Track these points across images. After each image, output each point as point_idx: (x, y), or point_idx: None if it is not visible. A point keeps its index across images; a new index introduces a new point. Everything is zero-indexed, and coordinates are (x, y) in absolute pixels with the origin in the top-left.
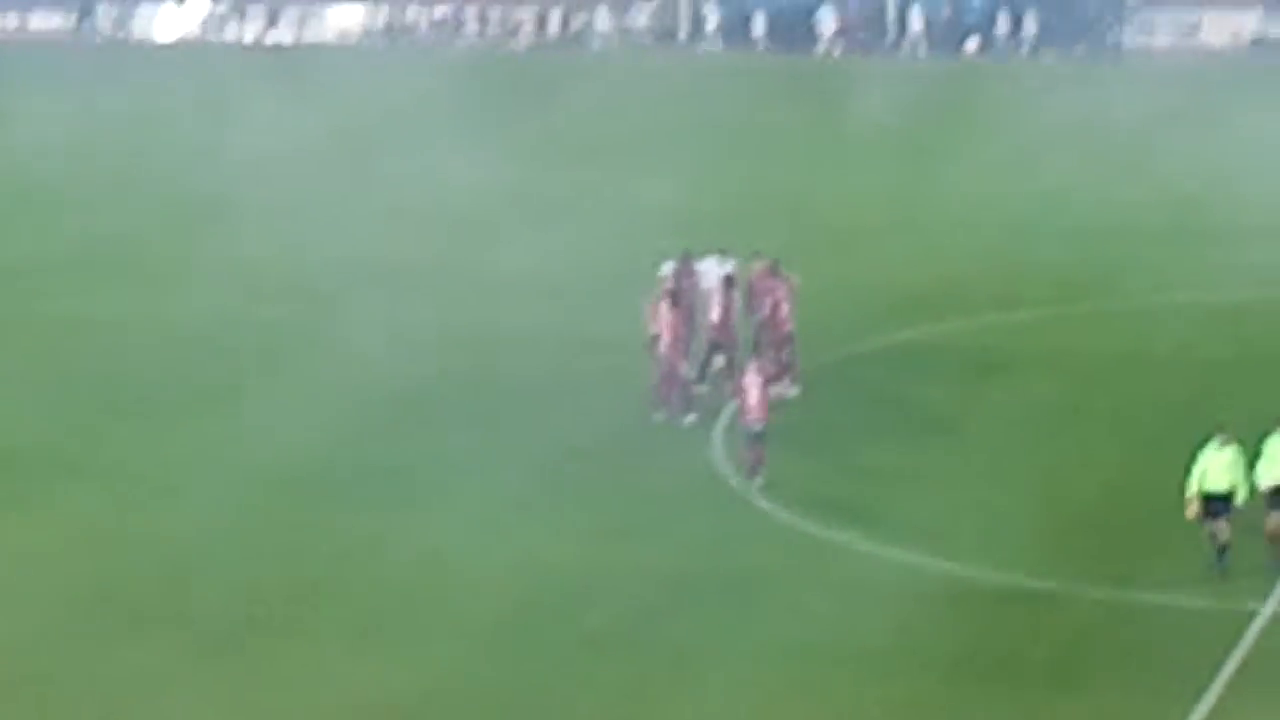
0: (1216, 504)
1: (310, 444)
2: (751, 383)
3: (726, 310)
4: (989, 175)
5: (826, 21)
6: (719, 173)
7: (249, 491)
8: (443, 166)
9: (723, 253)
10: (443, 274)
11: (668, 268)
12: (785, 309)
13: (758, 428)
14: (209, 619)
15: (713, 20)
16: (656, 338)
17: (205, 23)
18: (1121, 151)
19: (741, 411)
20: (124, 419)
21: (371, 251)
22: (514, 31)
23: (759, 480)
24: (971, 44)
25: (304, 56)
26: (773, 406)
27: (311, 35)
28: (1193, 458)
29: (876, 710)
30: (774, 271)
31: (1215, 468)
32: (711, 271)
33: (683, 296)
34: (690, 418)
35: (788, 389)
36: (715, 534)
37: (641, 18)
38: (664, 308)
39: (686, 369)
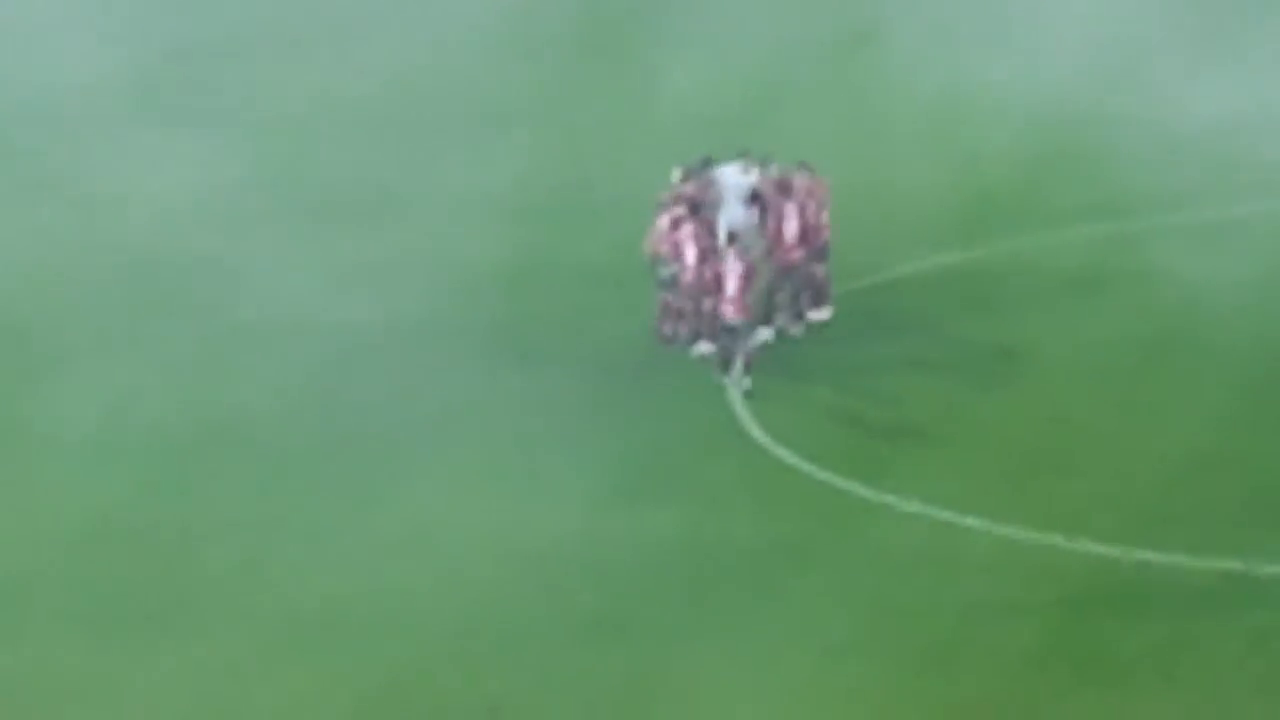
0: None
1: (267, 395)
2: (731, 269)
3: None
4: (1053, 58)
5: None
6: (711, 62)
7: (187, 451)
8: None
9: (746, 157)
10: (398, 196)
11: (678, 175)
12: (823, 216)
13: (735, 322)
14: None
15: None
16: (663, 257)
17: None
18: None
19: (717, 302)
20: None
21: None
22: None
23: (744, 385)
24: None
25: None
26: (808, 330)
27: None
28: None
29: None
30: (790, 179)
31: None
32: (733, 181)
33: (705, 209)
34: (702, 346)
35: (822, 311)
36: (735, 494)
37: None
38: (680, 222)
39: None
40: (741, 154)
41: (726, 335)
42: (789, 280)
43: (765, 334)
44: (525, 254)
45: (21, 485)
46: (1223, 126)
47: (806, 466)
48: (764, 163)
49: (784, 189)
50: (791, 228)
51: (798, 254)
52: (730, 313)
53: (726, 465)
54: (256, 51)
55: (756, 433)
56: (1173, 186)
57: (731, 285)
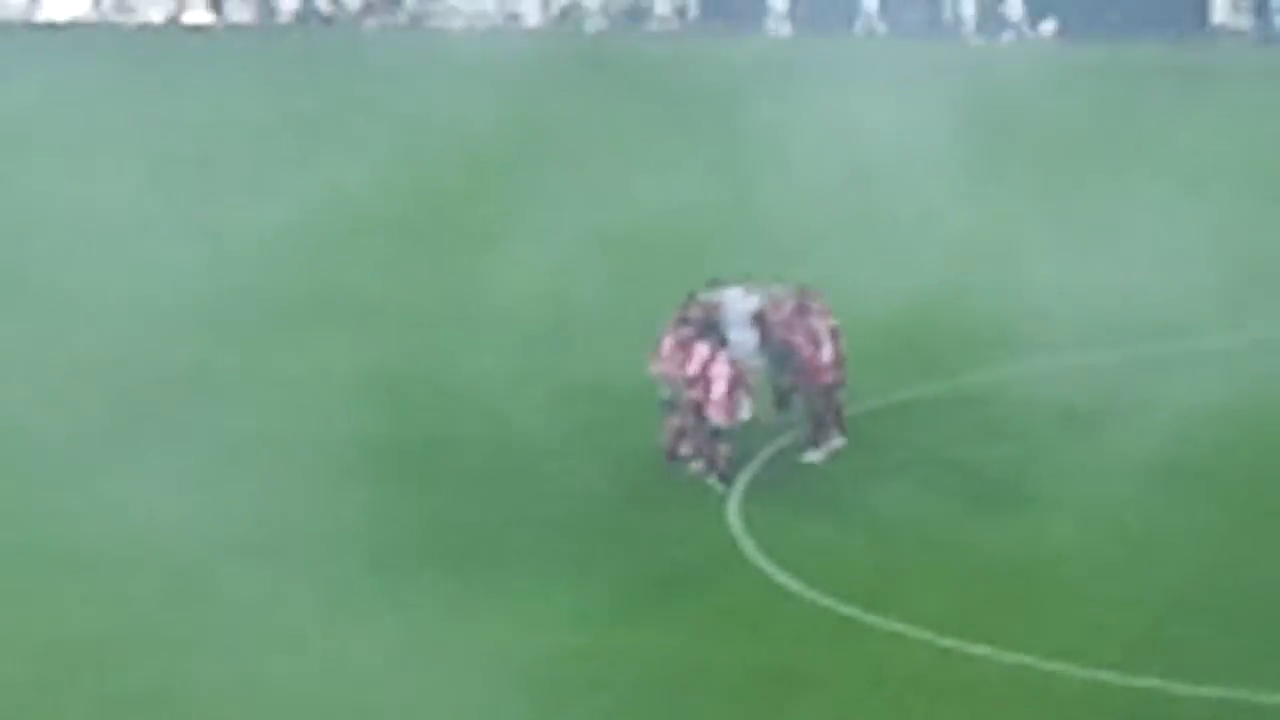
0: None
1: (250, 498)
2: (719, 374)
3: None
4: (1058, 185)
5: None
6: (723, 175)
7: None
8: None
9: (748, 284)
10: (387, 308)
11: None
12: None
13: (718, 421)
14: None
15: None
16: (674, 378)
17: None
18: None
19: (703, 403)
20: None
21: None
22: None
23: (717, 481)
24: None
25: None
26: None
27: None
28: None
29: None
30: (808, 301)
31: None
32: (735, 305)
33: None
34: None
35: (836, 440)
36: (735, 616)
37: None
38: (696, 343)
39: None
40: (745, 277)
41: (712, 439)
42: (818, 403)
43: (814, 456)
44: (521, 370)
45: (19, 603)
46: (1217, 255)
47: (808, 591)
48: (763, 286)
49: (802, 311)
50: (827, 350)
51: (832, 376)
52: (715, 415)
53: (727, 587)
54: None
55: (758, 556)
56: (1168, 316)
57: (719, 388)
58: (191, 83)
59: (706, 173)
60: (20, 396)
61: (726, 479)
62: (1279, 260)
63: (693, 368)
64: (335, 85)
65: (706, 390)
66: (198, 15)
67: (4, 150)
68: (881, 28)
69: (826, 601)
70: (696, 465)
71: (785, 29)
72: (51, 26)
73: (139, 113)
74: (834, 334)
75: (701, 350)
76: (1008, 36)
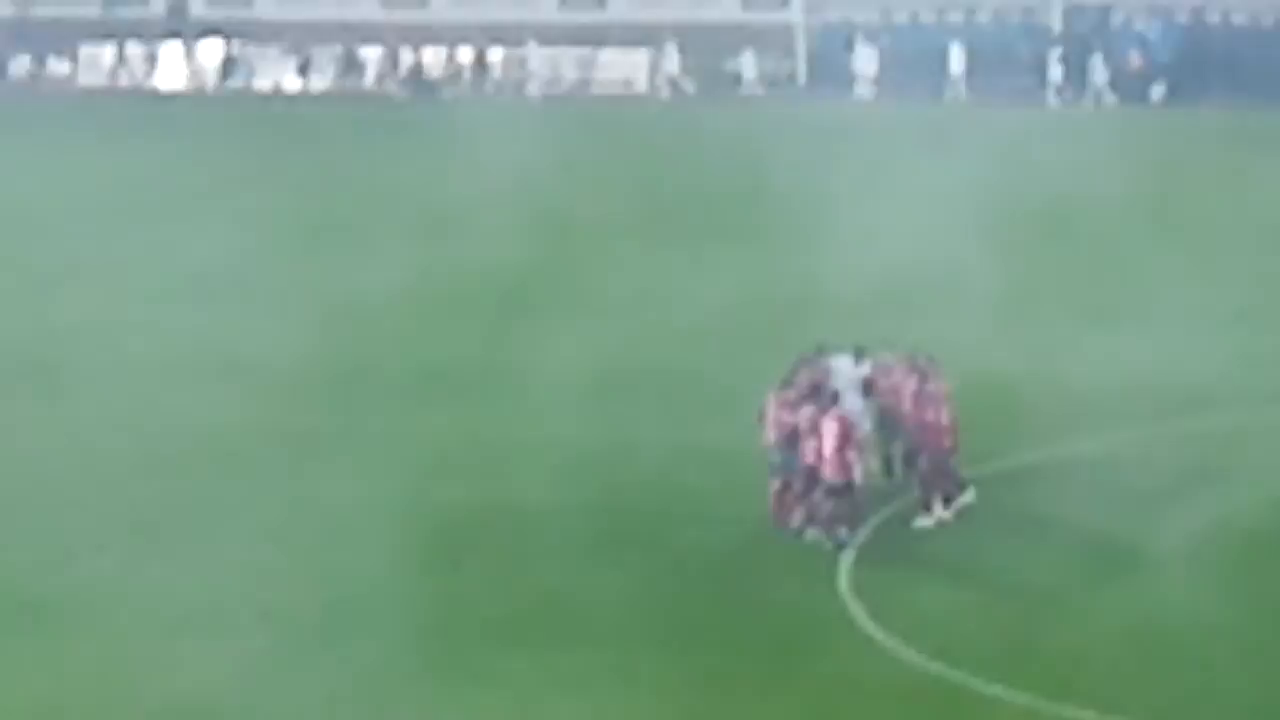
0: None
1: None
2: (829, 431)
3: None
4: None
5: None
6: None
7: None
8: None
9: (859, 351)
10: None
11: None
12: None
13: (830, 479)
14: None
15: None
16: (782, 439)
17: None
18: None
19: (814, 461)
20: None
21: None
22: None
23: (830, 540)
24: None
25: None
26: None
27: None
28: None
29: None
30: (920, 366)
31: None
32: (844, 373)
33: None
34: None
35: (958, 499)
36: (843, 686)
37: None
38: (804, 404)
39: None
40: (856, 347)
41: (824, 498)
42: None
43: (925, 522)
44: (630, 439)
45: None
46: None
47: (917, 658)
48: (872, 354)
49: (918, 376)
50: (944, 415)
51: (949, 440)
52: (827, 472)
53: (836, 654)
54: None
55: (868, 622)
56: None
57: (829, 444)
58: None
59: (802, 239)
60: (126, 460)
61: (839, 540)
62: None
63: (803, 425)
64: (428, 154)
65: (818, 447)
66: (290, 82)
67: (107, 212)
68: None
69: (935, 668)
70: (810, 530)
71: (869, 93)
72: (157, 96)
73: (244, 177)
74: (948, 399)
75: (809, 410)
76: (1089, 101)
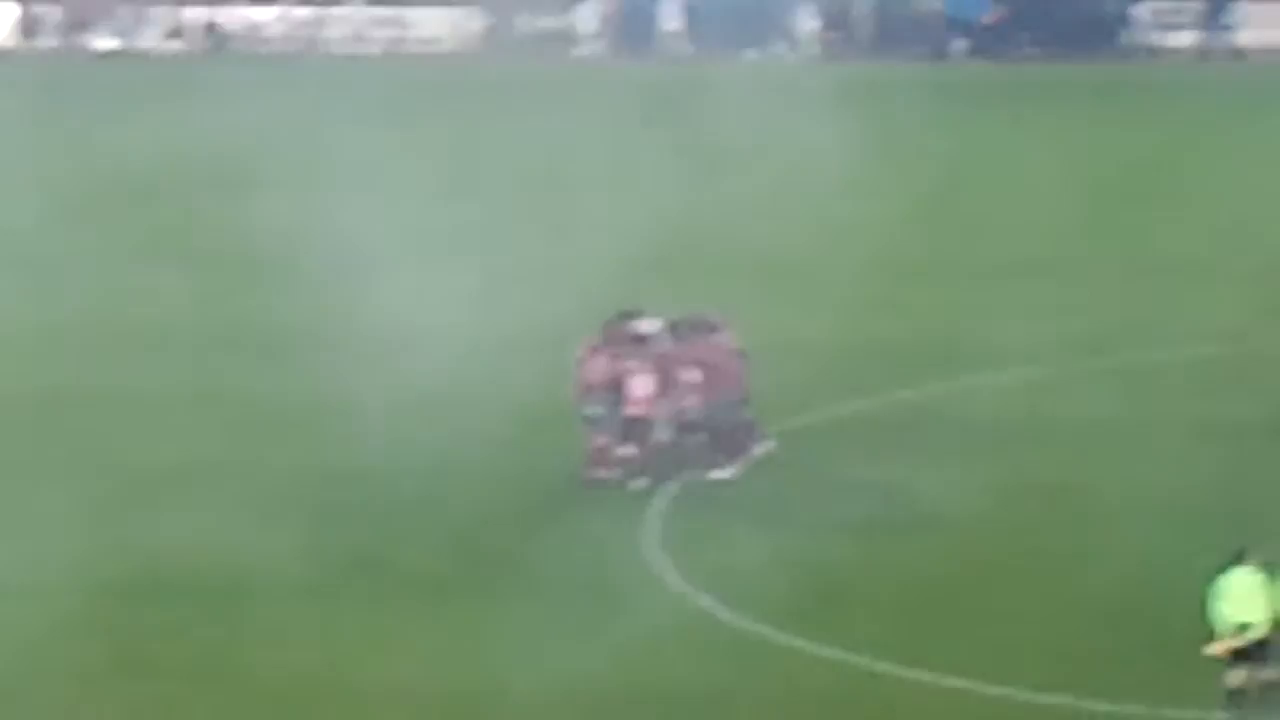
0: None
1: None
2: (640, 383)
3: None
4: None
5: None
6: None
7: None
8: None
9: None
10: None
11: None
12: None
13: (635, 412)
14: None
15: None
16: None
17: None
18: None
19: (622, 401)
20: None
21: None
22: None
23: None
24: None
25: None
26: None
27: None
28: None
29: None
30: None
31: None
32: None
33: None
34: (640, 481)
35: (726, 467)
36: (651, 641)
37: None
38: (632, 356)
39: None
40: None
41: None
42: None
43: (723, 473)
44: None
45: None
46: (1137, 270)
47: (724, 613)
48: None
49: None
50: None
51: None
52: (633, 408)
53: (646, 610)
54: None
55: (677, 578)
56: (1081, 332)
57: (638, 388)
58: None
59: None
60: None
61: (649, 482)
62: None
63: (630, 370)
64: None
65: (631, 391)
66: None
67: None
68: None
69: (745, 623)
70: (616, 472)
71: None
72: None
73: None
74: (740, 352)
75: (633, 360)
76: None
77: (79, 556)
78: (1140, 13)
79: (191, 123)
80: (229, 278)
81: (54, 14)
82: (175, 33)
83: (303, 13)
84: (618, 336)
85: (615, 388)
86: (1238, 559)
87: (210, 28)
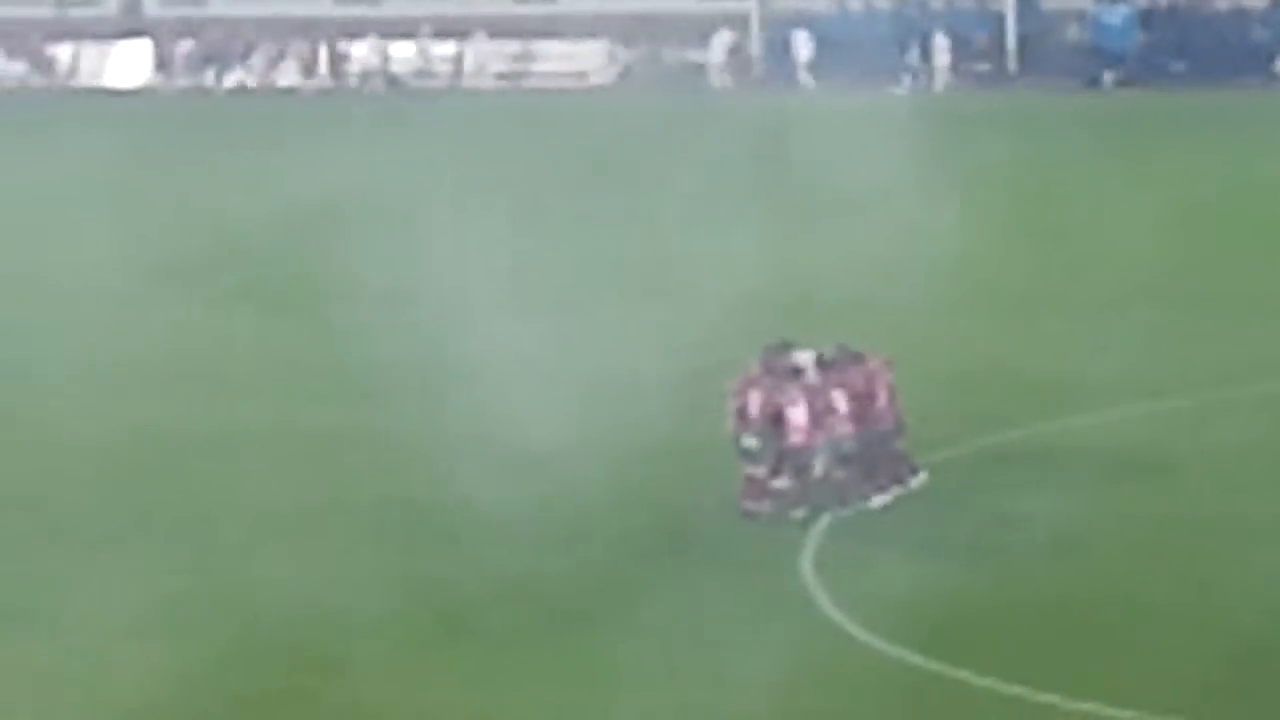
0: None
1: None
2: (801, 407)
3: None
4: (1123, 233)
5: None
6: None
7: None
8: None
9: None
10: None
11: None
12: (880, 398)
13: (795, 441)
14: None
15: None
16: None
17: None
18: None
19: (785, 434)
20: None
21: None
22: None
23: (799, 517)
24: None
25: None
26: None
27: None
28: None
29: None
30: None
31: None
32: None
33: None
34: (799, 512)
35: (878, 497)
36: (804, 670)
37: None
38: (790, 387)
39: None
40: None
41: (796, 468)
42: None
43: (881, 500)
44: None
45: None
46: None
47: (878, 643)
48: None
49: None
50: (882, 398)
51: (889, 424)
52: (797, 438)
53: (800, 638)
54: None
55: (830, 606)
56: (1214, 364)
57: (800, 416)
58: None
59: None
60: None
61: (807, 512)
62: None
63: (779, 404)
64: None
65: (790, 421)
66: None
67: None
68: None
69: (897, 651)
70: (774, 504)
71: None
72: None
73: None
74: (889, 388)
75: (789, 391)
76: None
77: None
78: None
79: (327, 159)
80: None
81: (187, 49)
82: (309, 69)
83: (441, 49)
84: (775, 368)
85: (773, 420)
86: None
87: (341, 62)
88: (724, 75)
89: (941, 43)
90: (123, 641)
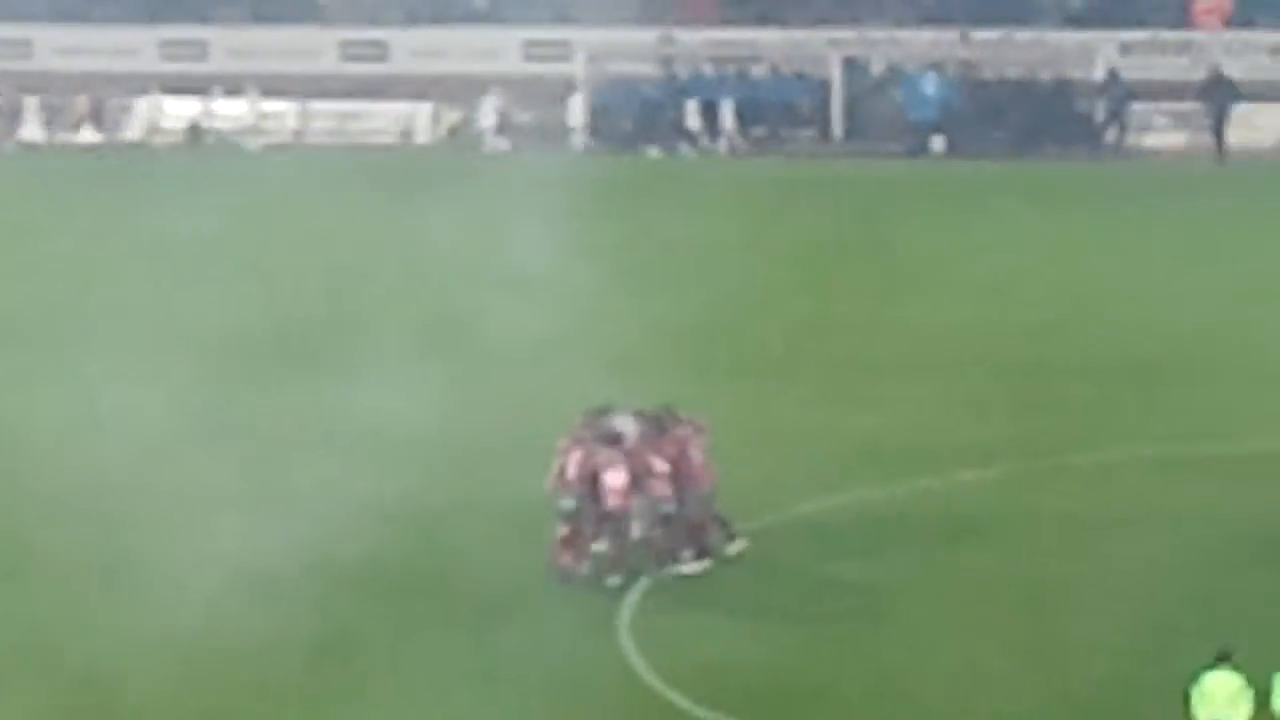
0: None
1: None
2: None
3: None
4: (952, 302)
5: None
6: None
7: None
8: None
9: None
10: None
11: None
12: (696, 460)
13: (612, 504)
14: None
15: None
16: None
17: None
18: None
19: (601, 496)
20: None
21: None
22: None
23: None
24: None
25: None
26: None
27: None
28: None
29: None
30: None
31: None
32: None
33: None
34: (614, 579)
35: (695, 562)
36: None
37: None
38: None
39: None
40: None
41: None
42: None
43: (694, 568)
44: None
45: None
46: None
47: (696, 710)
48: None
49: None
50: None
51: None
52: (613, 500)
53: (617, 706)
54: None
55: (649, 673)
56: (1044, 432)
57: (619, 479)
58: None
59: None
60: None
61: (623, 578)
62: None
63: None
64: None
65: (607, 484)
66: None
67: None
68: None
69: (715, 718)
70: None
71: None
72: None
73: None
74: (703, 450)
75: (608, 454)
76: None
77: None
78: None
79: None
80: None
81: None
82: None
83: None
84: (593, 432)
85: (590, 481)
86: (1222, 659)
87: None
88: (497, 139)
89: (727, 106)
90: None
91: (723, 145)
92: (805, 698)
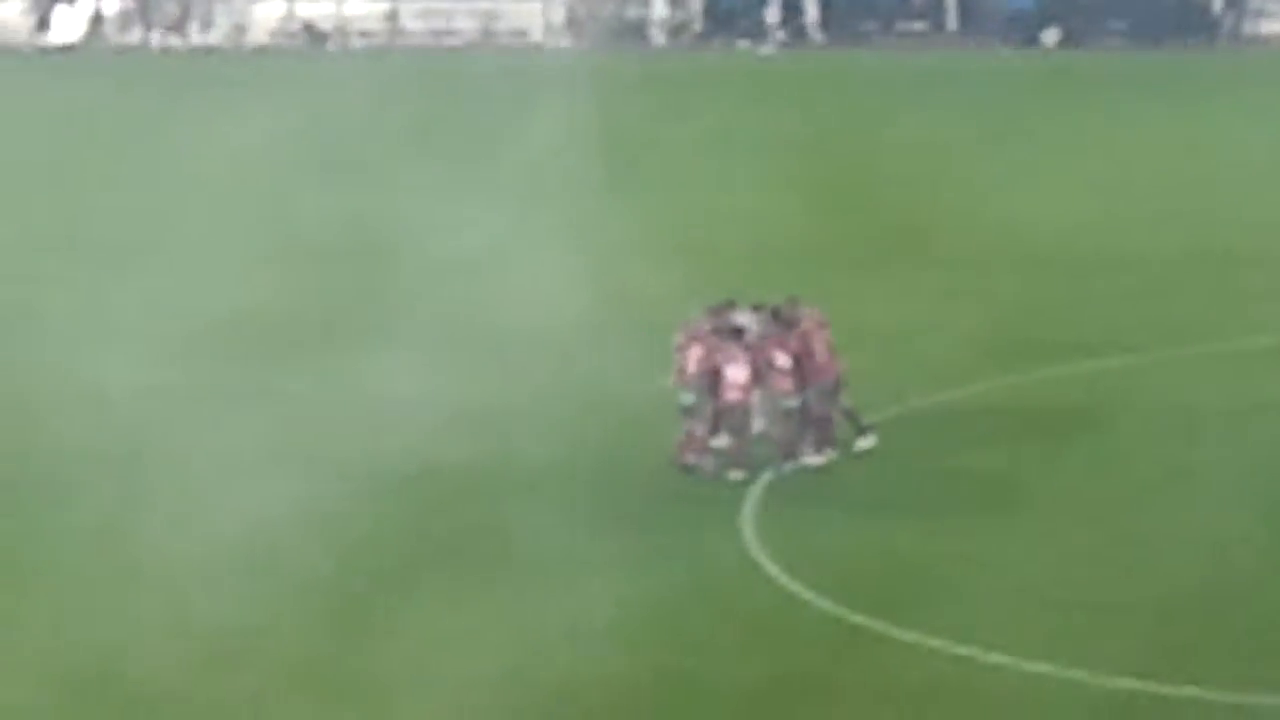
0: None
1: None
2: (741, 365)
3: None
4: (1065, 197)
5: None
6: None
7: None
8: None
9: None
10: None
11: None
12: (820, 353)
13: (731, 399)
14: None
15: None
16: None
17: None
18: (1220, 170)
19: (722, 392)
20: None
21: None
22: None
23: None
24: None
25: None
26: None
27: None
28: None
29: None
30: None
31: None
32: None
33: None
34: (737, 473)
35: (817, 454)
36: (746, 629)
37: None
38: (731, 348)
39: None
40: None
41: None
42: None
43: (816, 459)
44: (520, 390)
45: None
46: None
47: (821, 601)
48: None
49: (791, 323)
50: (820, 352)
51: (829, 377)
52: (733, 395)
53: (740, 598)
54: None
55: (771, 565)
56: (1166, 321)
57: (740, 374)
58: None
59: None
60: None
61: (746, 474)
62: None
63: (717, 362)
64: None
65: (728, 379)
66: None
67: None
68: None
69: (839, 610)
70: (713, 461)
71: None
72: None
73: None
74: (827, 343)
75: (729, 349)
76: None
77: None
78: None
79: None
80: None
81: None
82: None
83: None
84: (716, 326)
85: (712, 376)
86: None
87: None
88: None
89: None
90: None
91: (812, 35)
92: (927, 589)
